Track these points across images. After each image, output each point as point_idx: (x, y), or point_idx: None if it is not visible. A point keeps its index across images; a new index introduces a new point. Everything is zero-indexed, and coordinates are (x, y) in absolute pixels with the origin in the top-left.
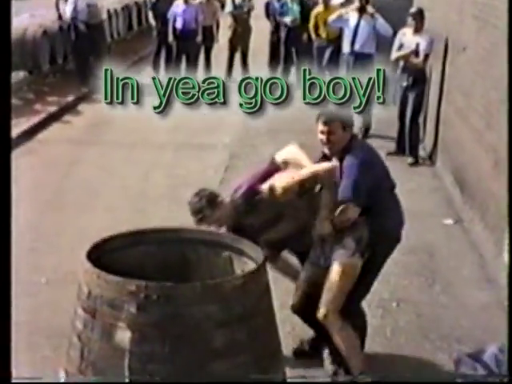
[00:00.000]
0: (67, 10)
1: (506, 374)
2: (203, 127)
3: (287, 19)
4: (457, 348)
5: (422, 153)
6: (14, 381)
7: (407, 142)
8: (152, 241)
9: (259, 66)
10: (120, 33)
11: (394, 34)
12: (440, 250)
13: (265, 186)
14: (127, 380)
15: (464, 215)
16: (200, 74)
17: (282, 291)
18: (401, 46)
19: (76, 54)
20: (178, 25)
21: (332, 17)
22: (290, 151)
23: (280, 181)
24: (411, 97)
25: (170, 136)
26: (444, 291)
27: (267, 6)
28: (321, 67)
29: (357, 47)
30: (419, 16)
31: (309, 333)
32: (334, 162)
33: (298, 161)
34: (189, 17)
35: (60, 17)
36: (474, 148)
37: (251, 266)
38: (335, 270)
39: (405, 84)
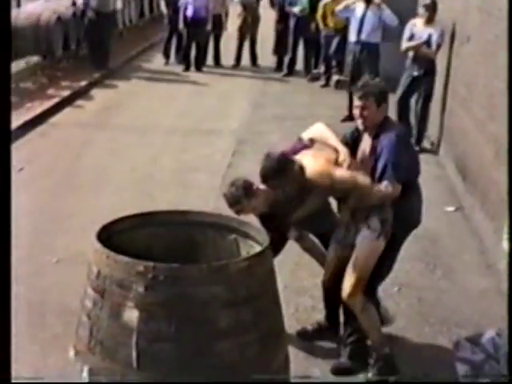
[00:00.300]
0: None
1: (506, 373)
2: (211, 113)
3: (296, 9)
4: (456, 332)
5: (425, 141)
6: (13, 381)
7: (415, 132)
8: (160, 223)
9: (266, 54)
10: (132, 20)
11: (400, 24)
12: (442, 237)
13: (297, 157)
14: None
15: (465, 203)
16: (209, 62)
17: (287, 273)
18: (411, 37)
19: (88, 40)
20: (189, 13)
21: (339, 7)
22: (317, 129)
23: (312, 162)
24: (422, 87)
25: (178, 121)
26: (445, 277)
27: None
28: (328, 56)
29: (363, 37)
30: (432, 7)
31: (312, 314)
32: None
33: (325, 139)
34: (199, 5)
35: (74, 3)
36: (477, 138)
37: (257, 248)
38: (359, 252)
39: (416, 74)
